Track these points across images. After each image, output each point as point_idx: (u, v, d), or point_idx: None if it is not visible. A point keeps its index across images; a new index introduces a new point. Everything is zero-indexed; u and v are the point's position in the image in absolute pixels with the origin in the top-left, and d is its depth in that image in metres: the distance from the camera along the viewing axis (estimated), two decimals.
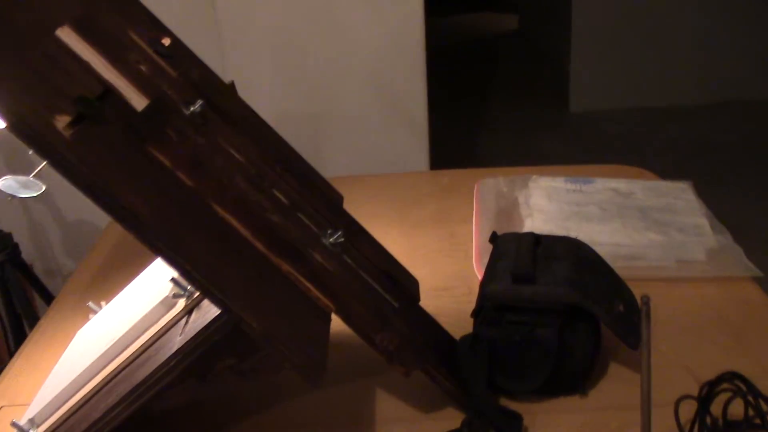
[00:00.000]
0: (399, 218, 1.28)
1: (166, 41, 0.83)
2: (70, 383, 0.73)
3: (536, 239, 0.87)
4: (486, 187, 1.29)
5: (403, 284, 0.84)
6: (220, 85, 0.85)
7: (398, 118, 1.95)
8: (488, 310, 0.79)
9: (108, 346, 0.72)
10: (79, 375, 0.73)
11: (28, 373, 0.93)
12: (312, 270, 0.69)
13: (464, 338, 0.80)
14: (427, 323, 0.83)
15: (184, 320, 0.66)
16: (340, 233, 0.77)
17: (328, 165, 1.99)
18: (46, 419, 0.74)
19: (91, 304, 0.93)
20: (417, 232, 1.23)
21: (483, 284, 0.83)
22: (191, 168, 0.65)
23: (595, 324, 0.79)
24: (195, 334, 0.61)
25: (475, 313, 0.81)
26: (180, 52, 0.84)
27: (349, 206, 1.29)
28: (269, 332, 0.60)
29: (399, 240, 1.21)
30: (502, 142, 3.58)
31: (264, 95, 1.92)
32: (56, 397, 0.74)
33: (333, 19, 1.84)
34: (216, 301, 0.59)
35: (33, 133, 0.53)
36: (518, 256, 0.83)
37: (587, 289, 0.79)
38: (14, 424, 0.73)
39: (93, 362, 0.73)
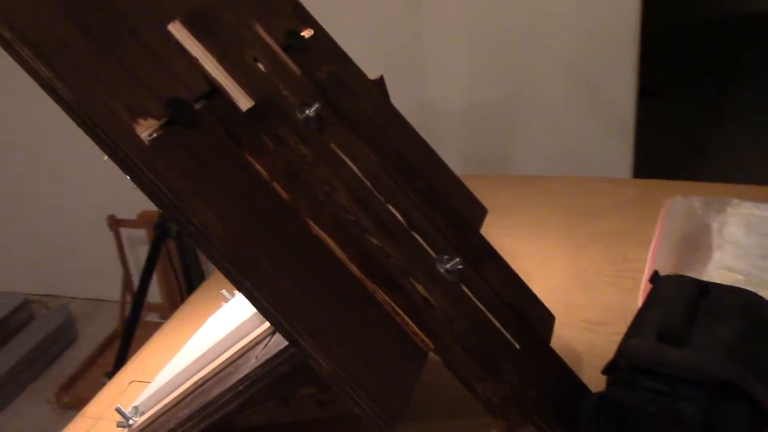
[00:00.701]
0: (567, 232, 1.16)
1: (308, 33, 0.79)
2: (173, 378, 0.73)
3: (703, 289, 0.73)
4: (676, 206, 1.12)
5: (532, 321, 0.74)
6: (360, 83, 0.80)
7: (599, 111, 1.79)
8: (623, 369, 0.67)
9: (208, 348, 0.71)
10: (181, 372, 0.72)
11: (162, 350, 0.96)
12: (411, 301, 0.62)
13: (591, 397, 0.68)
14: (553, 368, 0.72)
15: (267, 339, 0.62)
16: (457, 260, 0.69)
17: (515, 159, 1.88)
18: (149, 410, 0.74)
19: (224, 291, 0.93)
20: (584, 251, 1.10)
21: (625, 336, 0.71)
22: (288, 178, 0.60)
23: (757, 408, 0.64)
24: (263, 363, 0.57)
25: (608, 370, 0.69)
26: (322, 46, 0.79)
27: (512, 212, 1.19)
28: (338, 373, 0.54)
29: (560, 257, 1.09)
30: (736, 147, 3.12)
31: (457, 82, 1.85)
32: (160, 389, 0.74)
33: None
34: (284, 332, 0.54)
35: (107, 138, 0.51)
36: (672, 309, 0.69)
37: (753, 364, 0.64)
38: (118, 410, 0.74)
39: (193, 362, 0.71)
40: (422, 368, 0.62)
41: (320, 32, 0.81)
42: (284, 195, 0.60)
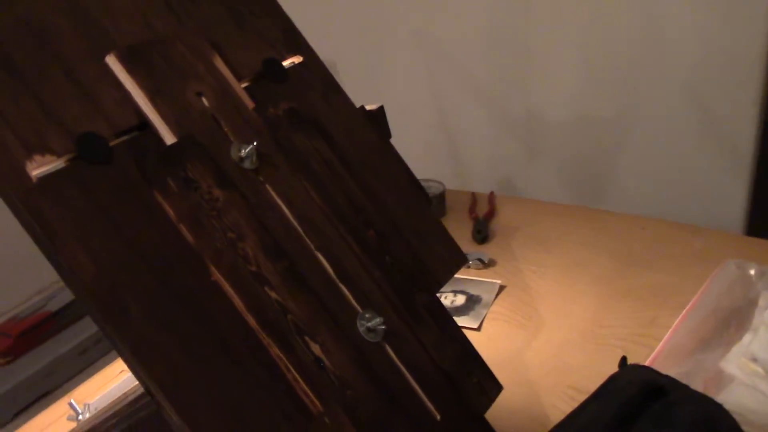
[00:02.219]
0: (605, 280, 1.08)
1: (295, 59, 0.78)
2: (126, 378, 0.76)
3: (659, 390, 0.65)
4: (726, 272, 1.00)
5: (467, 391, 0.70)
6: (342, 116, 0.78)
7: (713, 145, 1.62)
8: None
9: None
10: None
11: None
12: (301, 361, 0.61)
13: None
14: None
15: None
16: (380, 319, 0.66)
17: (610, 181, 1.76)
18: (100, 407, 0.78)
19: None
20: (613, 306, 1.02)
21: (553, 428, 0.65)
22: (192, 222, 0.60)
23: None
24: (132, 400, 0.58)
25: None
26: (307, 75, 0.78)
27: (558, 248, 1.13)
28: (191, 427, 0.54)
29: (583, 310, 1.02)
30: None
31: (564, 92, 1.75)
32: (115, 387, 0.78)
33: (650, 12, 1.57)
34: (140, 381, 0.54)
35: None
36: (603, 410, 0.63)
37: None
38: (71, 404, 0.78)
39: None
40: (305, 430, 0.60)
41: (312, 60, 0.79)
42: (190, 239, 0.60)
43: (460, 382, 0.70)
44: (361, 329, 0.66)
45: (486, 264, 1.14)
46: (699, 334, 0.90)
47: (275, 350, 0.61)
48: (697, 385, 0.84)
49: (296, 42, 0.79)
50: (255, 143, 0.66)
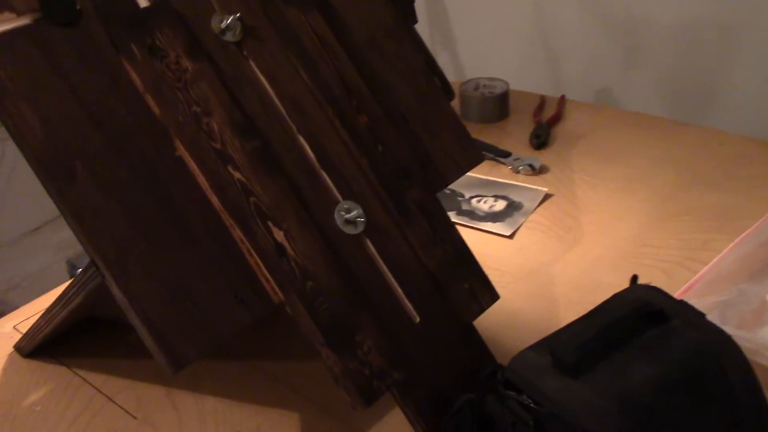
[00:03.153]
0: (666, 197, 0.99)
1: None
2: None
3: (660, 313, 0.58)
4: None
5: (453, 295, 0.65)
6: None
7: None
8: (499, 380, 0.57)
9: None
10: None
11: None
12: (261, 247, 0.58)
13: (467, 400, 0.59)
14: (459, 352, 0.64)
15: None
16: (358, 211, 0.62)
17: (716, 94, 1.59)
18: None
19: None
20: (664, 225, 0.94)
21: (535, 343, 0.59)
22: (156, 93, 0.57)
23: None
24: (84, 269, 0.57)
25: (488, 375, 0.59)
26: None
27: (621, 158, 1.07)
28: (126, 304, 0.53)
29: (629, 227, 0.93)
30: None
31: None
32: None
33: None
34: (84, 248, 0.53)
35: None
36: (586, 330, 0.57)
37: (651, 426, 0.51)
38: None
39: None
40: (260, 316, 0.58)
41: None
42: (156, 110, 0.58)
43: (448, 286, 0.65)
44: (339, 220, 0.62)
45: (536, 170, 1.06)
46: (748, 262, 0.81)
47: (237, 233, 0.58)
48: (733, 316, 0.75)
49: None
50: (238, 15, 0.62)
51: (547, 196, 1.01)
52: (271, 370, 0.77)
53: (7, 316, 0.89)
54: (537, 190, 1.02)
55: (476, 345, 0.66)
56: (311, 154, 0.63)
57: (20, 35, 0.54)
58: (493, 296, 0.68)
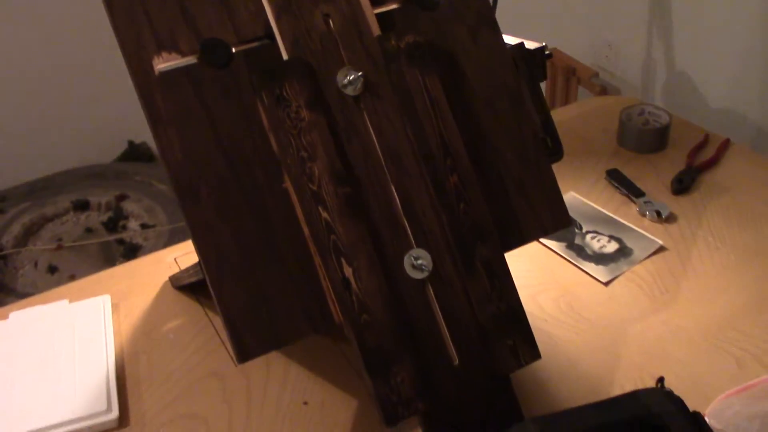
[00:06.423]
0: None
1: None
2: None
3: (659, 429, 0.63)
4: None
5: (497, 351, 0.74)
6: (484, 53, 0.78)
7: None
8: None
9: None
10: None
11: None
12: (332, 278, 0.70)
13: None
14: (487, 400, 0.73)
15: None
16: (423, 263, 0.72)
17: None
18: None
19: None
20: (762, 311, 0.92)
21: (543, 417, 0.67)
22: (276, 135, 0.70)
23: None
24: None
25: None
26: (462, 5, 0.79)
27: (738, 225, 1.08)
28: (216, 298, 0.67)
29: (721, 306, 0.94)
30: None
31: None
32: None
33: None
34: (197, 252, 0.68)
35: (130, 67, 0.67)
36: (581, 423, 0.63)
37: None
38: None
39: None
40: (321, 332, 0.71)
41: None
42: (275, 147, 0.70)
43: (493, 339, 0.74)
44: (407, 264, 0.72)
45: (662, 218, 1.08)
46: None
47: (318, 260, 0.70)
48: None
49: None
50: (361, 72, 0.72)
51: (661, 249, 1.03)
52: (347, 354, 0.90)
53: (171, 247, 1.09)
54: (652, 240, 1.04)
55: (507, 397, 0.74)
56: (398, 203, 0.73)
57: (180, 74, 0.69)
58: (534, 355, 0.76)
